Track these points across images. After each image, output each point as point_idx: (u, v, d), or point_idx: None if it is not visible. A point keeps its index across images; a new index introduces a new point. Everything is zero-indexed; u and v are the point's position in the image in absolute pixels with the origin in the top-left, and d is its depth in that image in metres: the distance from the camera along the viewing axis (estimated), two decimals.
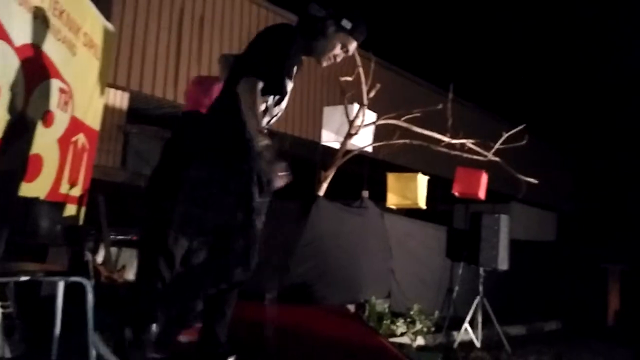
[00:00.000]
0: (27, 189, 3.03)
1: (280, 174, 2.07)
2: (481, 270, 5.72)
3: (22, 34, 2.82)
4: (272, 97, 2.26)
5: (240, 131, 2.12)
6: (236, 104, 2.14)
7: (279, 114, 2.41)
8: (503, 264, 5.75)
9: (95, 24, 3.88)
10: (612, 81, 14.06)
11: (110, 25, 4.22)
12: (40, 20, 2.98)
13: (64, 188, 3.57)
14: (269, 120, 2.35)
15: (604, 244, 9.58)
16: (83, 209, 3.93)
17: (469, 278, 6.03)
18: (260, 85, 2.14)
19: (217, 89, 2.60)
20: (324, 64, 2.40)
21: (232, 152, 2.17)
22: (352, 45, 2.36)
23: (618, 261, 8.29)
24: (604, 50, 14.10)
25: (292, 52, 2.27)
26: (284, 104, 2.37)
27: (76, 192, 3.78)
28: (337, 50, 2.34)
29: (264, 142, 2.04)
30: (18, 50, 2.78)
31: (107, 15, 4.65)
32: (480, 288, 5.66)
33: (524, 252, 7.28)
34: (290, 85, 2.36)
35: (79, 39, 3.57)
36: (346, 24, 2.29)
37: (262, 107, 2.20)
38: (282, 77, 2.23)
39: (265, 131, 2.21)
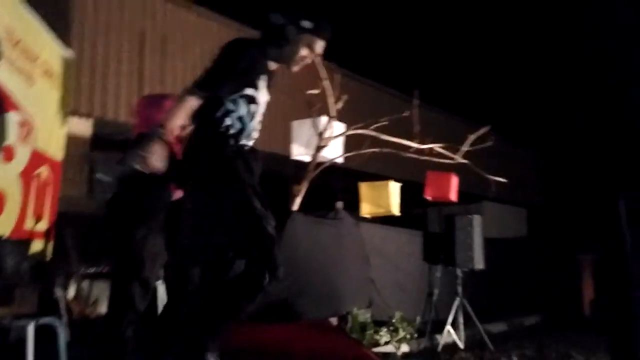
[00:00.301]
0: None
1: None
2: (458, 271, 5.79)
3: None
4: (243, 108, 2.30)
5: (217, 148, 2.22)
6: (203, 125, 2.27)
7: (257, 129, 2.43)
8: (479, 264, 5.84)
9: (53, 51, 3.79)
10: (571, 74, 14.47)
11: (69, 52, 4.14)
12: None
13: (29, 224, 3.46)
14: (249, 135, 2.36)
15: (575, 235, 9.82)
16: (50, 244, 3.81)
17: (447, 280, 6.10)
18: (195, 92, 2.21)
19: (168, 105, 2.60)
20: (295, 68, 2.43)
21: (217, 171, 2.22)
22: (319, 45, 2.40)
23: (590, 251, 8.49)
24: (561, 43, 14.51)
25: (246, 60, 2.29)
26: (258, 116, 2.40)
27: (42, 226, 3.66)
28: (304, 52, 2.38)
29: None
30: None
31: (66, 42, 4.54)
32: (459, 289, 5.73)
33: (498, 249, 7.41)
34: (262, 97, 2.39)
35: (37, 68, 3.48)
36: (306, 24, 2.33)
37: (191, 104, 2.22)
38: (220, 81, 2.25)
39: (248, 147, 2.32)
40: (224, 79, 2.24)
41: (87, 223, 4.90)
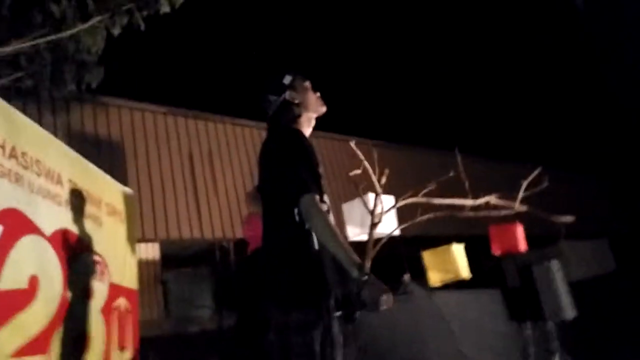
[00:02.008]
0: None
1: (385, 296, 1.92)
2: (549, 324, 5.41)
3: (50, 222, 3.04)
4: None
5: (310, 259, 2.03)
6: (295, 235, 2.07)
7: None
8: (569, 312, 5.44)
9: (114, 192, 4.15)
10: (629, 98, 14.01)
11: (128, 189, 4.51)
12: (65, 205, 3.22)
13: (115, 357, 3.62)
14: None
15: None
16: None
17: (541, 336, 5.69)
18: (317, 198, 2.06)
19: None
20: (322, 109, 2.42)
21: (306, 294, 2.04)
22: (306, 82, 2.42)
23: None
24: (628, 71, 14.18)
25: (307, 142, 2.23)
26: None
27: (128, 356, 3.82)
28: (311, 93, 2.40)
29: (362, 275, 1.91)
30: (49, 238, 2.98)
31: (124, 179, 4.99)
32: (556, 343, 5.32)
33: (588, 291, 6.89)
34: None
35: (102, 210, 3.81)
36: (287, 79, 2.37)
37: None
38: (319, 174, 2.16)
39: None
40: (316, 169, 2.14)
41: (168, 343, 5.06)
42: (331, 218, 2.14)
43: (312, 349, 1.99)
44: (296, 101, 2.34)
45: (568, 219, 5.80)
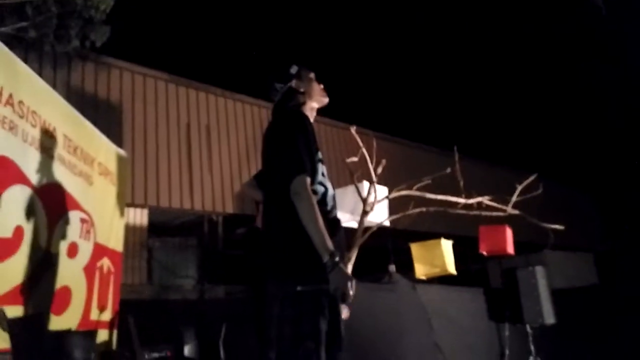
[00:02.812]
0: (59, 322, 3.08)
1: (349, 284, 2.02)
2: (528, 327, 5.46)
3: (40, 175, 3.01)
4: (319, 171, 2.24)
5: (306, 254, 2.06)
6: (290, 219, 2.09)
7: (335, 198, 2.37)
8: (549, 318, 5.49)
9: (108, 152, 4.12)
10: (618, 110, 14.04)
11: (122, 151, 4.47)
12: (57, 160, 3.19)
13: (94, 314, 3.62)
14: (332, 198, 2.31)
15: None
16: (115, 332, 3.94)
17: (518, 338, 5.74)
18: (308, 180, 2.12)
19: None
20: (325, 100, 2.51)
21: (309, 264, 2.05)
22: (311, 73, 2.50)
23: None
24: (613, 87, 14.19)
25: (310, 124, 2.30)
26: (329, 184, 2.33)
27: (107, 316, 3.82)
28: (316, 84, 2.48)
29: (331, 258, 1.98)
30: (38, 190, 2.95)
31: (119, 142, 4.95)
32: (532, 347, 5.37)
33: (569, 301, 6.95)
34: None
35: (95, 170, 3.78)
36: (294, 69, 2.46)
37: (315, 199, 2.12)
38: (314, 155, 2.22)
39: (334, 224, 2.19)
40: (313, 152, 2.21)
41: (148, 308, 5.06)
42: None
43: (309, 321, 2.06)
44: (301, 90, 2.42)
45: (557, 227, 5.83)
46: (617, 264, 12.27)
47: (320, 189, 2.23)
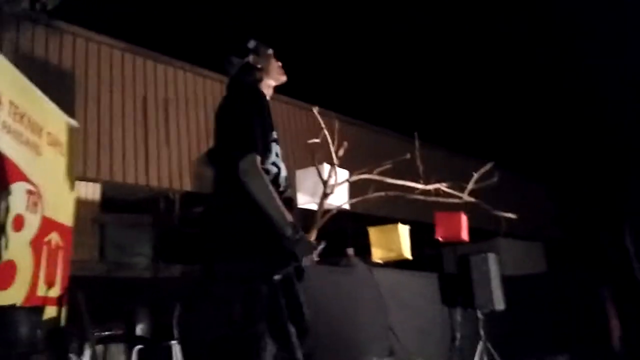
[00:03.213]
0: (3, 297, 2.93)
1: (314, 252, 2.14)
2: (479, 313, 5.62)
3: None
4: (273, 150, 2.23)
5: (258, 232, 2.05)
6: (242, 196, 2.06)
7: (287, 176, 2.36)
8: (499, 304, 5.67)
9: (58, 122, 3.91)
10: (576, 102, 14.49)
11: (73, 121, 4.25)
12: (1, 127, 2.99)
13: (41, 290, 3.46)
14: (284, 178, 2.28)
15: (595, 267, 9.55)
16: (64, 309, 3.79)
17: (469, 323, 5.91)
18: (259, 159, 2.09)
19: None
20: (283, 78, 2.47)
21: (262, 240, 2.06)
22: (270, 50, 2.47)
23: (609, 283, 8.23)
24: (565, 76, 14.62)
25: (265, 101, 2.29)
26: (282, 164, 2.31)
27: (55, 292, 3.67)
28: (274, 61, 2.44)
29: (294, 231, 2.01)
30: None
31: (70, 112, 4.70)
32: (482, 332, 5.54)
33: (518, 287, 7.21)
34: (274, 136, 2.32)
35: (43, 139, 3.58)
36: (252, 44, 2.42)
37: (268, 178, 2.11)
38: (267, 134, 2.21)
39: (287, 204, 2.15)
40: (267, 130, 2.20)
41: (99, 286, 4.90)
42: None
43: (259, 299, 2.03)
44: (258, 66, 2.38)
45: (510, 215, 6.00)
46: (566, 254, 12.83)
47: (273, 169, 2.21)
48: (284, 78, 2.47)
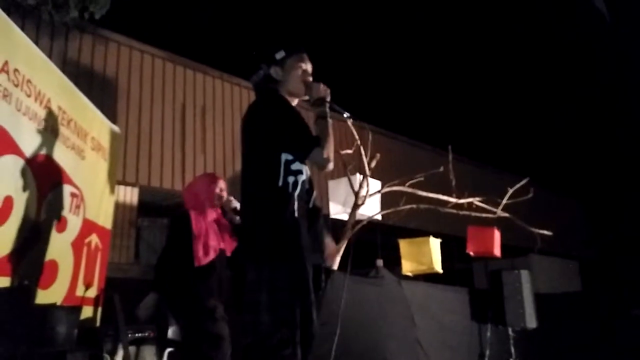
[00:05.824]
0: (44, 296, 3.05)
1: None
2: (510, 330, 5.52)
3: (33, 146, 2.95)
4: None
5: (289, 223, 2.14)
6: (277, 198, 2.16)
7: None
8: (531, 322, 5.56)
9: (101, 127, 4.06)
10: (615, 121, 14.12)
11: (115, 127, 4.41)
12: (50, 131, 3.13)
13: (79, 290, 3.58)
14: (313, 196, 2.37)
15: (629, 289, 9.24)
16: (100, 310, 3.91)
17: (499, 340, 5.80)
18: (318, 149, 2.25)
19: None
20: (303, 96, 2.46)
21: (283, 248, 2.11)
22: (305, 58, 2.43)
23: None
24: (599, 91, 14.28)
25: (290, 105, 2.34)
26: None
27: (92, 293, 3.78)
28: (300, 72, 2.40)
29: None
30: (30, 161, 2.90)
31: (113, 118, 4.87)
32: (512, 350, 5.44)
33: (551, 306, 7.03)
34: None
35: (87, 144, 3.72)
36: (280, 54, 2.39)
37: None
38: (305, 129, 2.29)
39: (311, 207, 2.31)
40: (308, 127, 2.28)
41: (134, 288, 5.02)
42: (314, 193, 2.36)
43: (282, 305, 2.06)
44: (278, 79, 2.38)
45: (546, 232, 5.88)
46: (601, 273, 12.44)
47: (302, 177, 2.27)
48: (302, 96, 2.43)
